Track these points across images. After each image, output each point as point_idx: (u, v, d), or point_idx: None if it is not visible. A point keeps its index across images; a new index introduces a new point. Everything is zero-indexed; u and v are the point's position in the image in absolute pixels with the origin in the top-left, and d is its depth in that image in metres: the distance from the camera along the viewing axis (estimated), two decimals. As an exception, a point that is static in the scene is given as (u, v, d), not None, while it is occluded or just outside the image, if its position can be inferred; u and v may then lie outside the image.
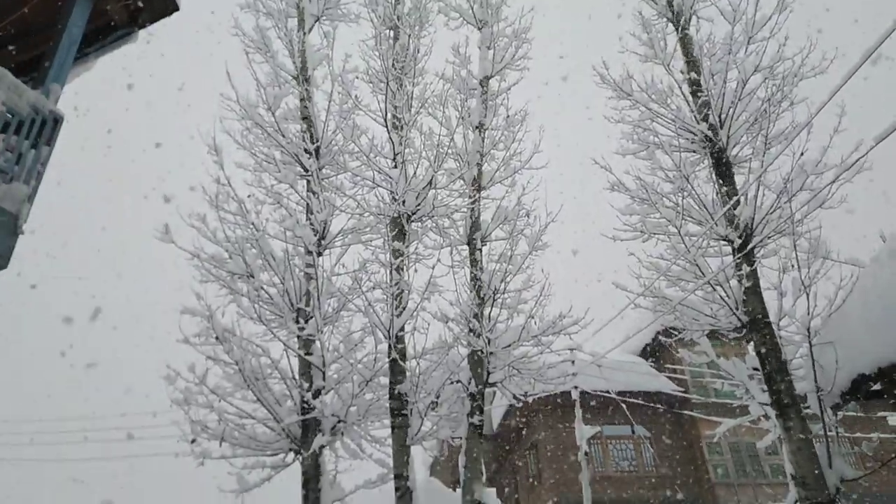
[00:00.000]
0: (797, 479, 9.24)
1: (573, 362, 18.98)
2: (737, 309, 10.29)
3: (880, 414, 19.61)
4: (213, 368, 10.23)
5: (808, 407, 10.12)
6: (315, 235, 10.84)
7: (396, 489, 9.85)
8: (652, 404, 19.93)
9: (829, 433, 9.70)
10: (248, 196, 11.07)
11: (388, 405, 10.38)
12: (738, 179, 11.26)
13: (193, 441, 9.58)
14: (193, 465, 10.32)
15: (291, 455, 10.68)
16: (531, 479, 23.07)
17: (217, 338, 9.25)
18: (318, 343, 10.46)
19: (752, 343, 10.44)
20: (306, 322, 10.39)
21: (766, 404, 10.48)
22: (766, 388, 10.01)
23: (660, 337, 18.82)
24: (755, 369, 10.79)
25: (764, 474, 19.92)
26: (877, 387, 9.28)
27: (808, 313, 10.07)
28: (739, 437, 19.88)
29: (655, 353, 22.93)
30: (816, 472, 9.09)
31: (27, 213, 6.26)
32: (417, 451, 15.69)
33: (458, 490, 10.41)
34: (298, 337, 10.53)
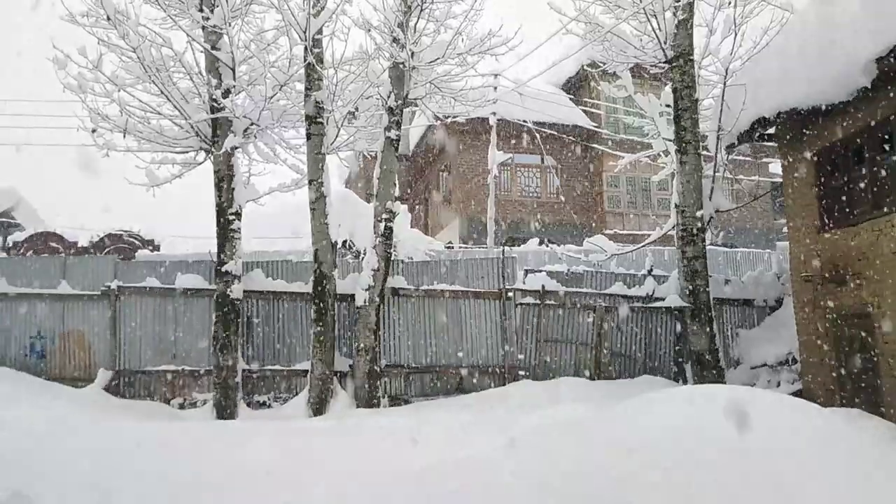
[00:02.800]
0: (679, 208, 10.22)
1: (495, 88, 18.88)
2: (665, 42, 10.16)
3: (765, 160, 21.45)
4: (109, 56, 9.36)
5: (706, 147, 10.78)
6: None
7: (310, 195, 10.11)
8: (564, 136, 20.73)
9: (717, 171, 10.53)
10: None
11: (303, 112, 10.12)
12: None
13: (94, 131, 9.14)
14: (100, 157, 10.01)
15: (203, 154, 10.54)
16: (441, 199, 24.53)
17: (108, 18, 8.25)
18: (225, 38, 9.63)
19: (670, 82, 10.58)
20: (212, 11, 9.41)
21: (670, 140, 11.07)
22: (673, 125, 10.44)
23: (585, 68, 18.74)
24: (667, 106, 11.14)
25: (651, 206, 22.15)
26: (770, 131, 9.92)
27: (732, 53, 10.14)
28: (637, 173, 21.49)
29: (576, 87, 23.13)
30: (697, 202, 10.04)
31: None
32: (333, 163, 15.92)
33: (372, 202, 10.83)
34: (203, 28, 9.62)
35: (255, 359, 10.51)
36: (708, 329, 9.84)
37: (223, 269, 9.90)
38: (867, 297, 7.81)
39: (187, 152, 10.45)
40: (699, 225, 10.04)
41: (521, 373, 10.72)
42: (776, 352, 10.50)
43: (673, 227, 10.79)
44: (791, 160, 9.36)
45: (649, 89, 15.91)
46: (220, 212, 10.07)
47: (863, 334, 7.97)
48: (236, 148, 10.14)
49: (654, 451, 3.52)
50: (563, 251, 13.11)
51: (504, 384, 10.55)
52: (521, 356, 10.88)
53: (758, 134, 9.79)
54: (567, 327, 11.05)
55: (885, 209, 7.59)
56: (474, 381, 10.74)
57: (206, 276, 10.62)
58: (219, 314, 9.83)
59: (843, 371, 8.33)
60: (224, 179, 10.07)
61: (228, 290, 9.85)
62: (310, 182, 10.15)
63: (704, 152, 10.56)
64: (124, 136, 9.35)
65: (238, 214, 10.13)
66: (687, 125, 10.10)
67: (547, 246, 15.21)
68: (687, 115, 10.10)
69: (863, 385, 8.01)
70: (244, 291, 10.17)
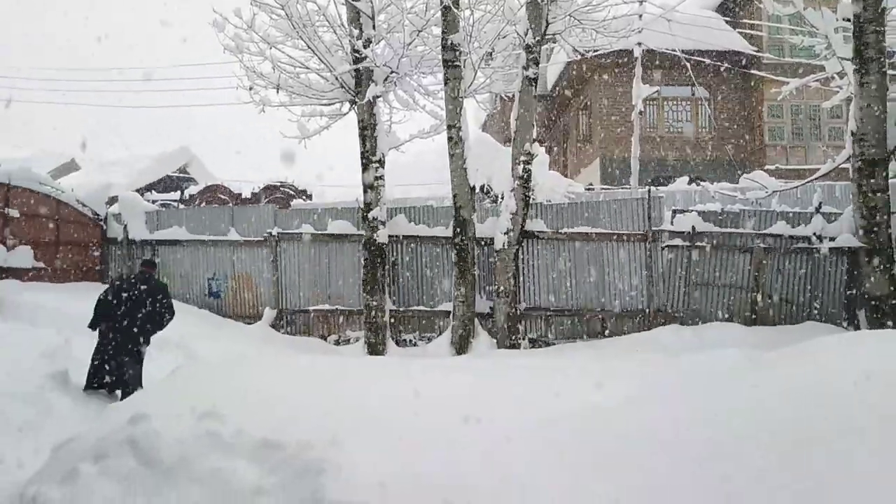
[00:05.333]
0: (856, 136, 9.04)
1: (640, 16, 17.58)
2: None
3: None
4: (261, 15, 9.89)
5: (892, 65, 9.37)
6: None
7: (449, 139, 10.17)
8: (719, 63, 18.94)
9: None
10: None
11: (440, 57, 10.10)
12: None
13: (251, 88, 9.79)
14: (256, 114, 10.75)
15: (347, 105, 10.95)
16: (580, 139, 23.65)
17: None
18: (364, -13, 9.78)
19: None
20: (351, -38, 9.55)
21: (847, 59, 9.72)
22: (852, 41, 9.14)
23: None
24: (845, 20, 9.74)
25: (820, 137, 19.79)
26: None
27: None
28: (803, 100, 19.22)
29: (733, 8, 20.93)
30: (879, 129, 8.82)
31: None
32: (470, 106, 15.90)
33: (509, 146, 10.69)
34: (343, -21, 9.83)
35: (401, 300, 11.01)
36: (889, 271, 8.76)
37: (369, 216, 10.35)
38: None
39: (333, 104, 10.90)
40: (882, 154, 8.84)
41: (668, 318, 10.28)
42: (976, 298, 9.13)
43: (848, 159, 9.60)
44: None
45: (822, 2, 13.99)
46: (365, 160, 10.46)
47: None
48: (378, 97, 10.40)
49: (842, 403, 3.08)
50: (716, 189, 12.18)
51: (649, 329, 10.20)
52: (667, 301, 10.41)
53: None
54: (720, 270, 10.36)
55: None
56: (618, 324, 10.49)
57: (354, 222, 11.18)
58: (366, 257, 10.35)
59: None
60: (367, 128, 10.42)
61: (375, 234, 10.31)
62: (448, 127, 10.20)
63: (891, 71, 9.19)
64: (277, 92, 9.93)
65: (381, 162, 10.48)
66: (870, 39, 8.79)
67: (698, 185, 14.22)
68: (871, 27, 8.77)
69: None
70: (389, 236, 10.59)
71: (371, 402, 4.08)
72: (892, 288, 8.81)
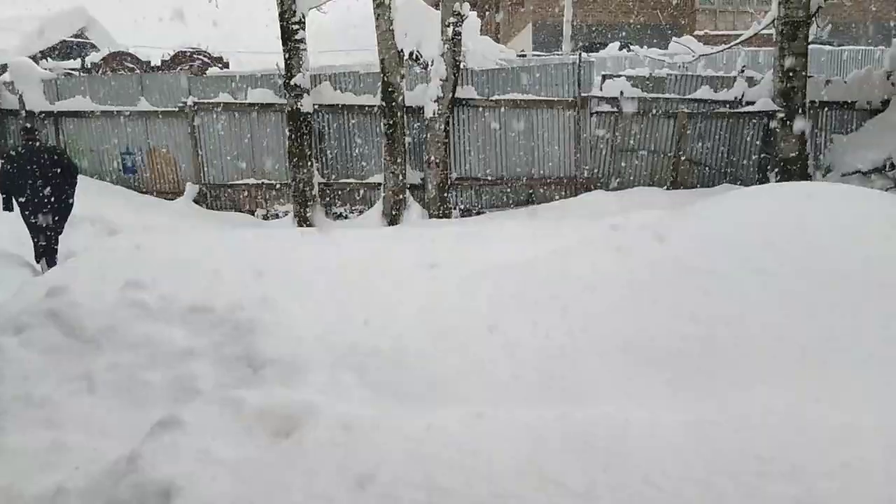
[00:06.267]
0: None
1: None
2: None
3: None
4: None
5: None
6: None
7: (374, -2, 9.55)
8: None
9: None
10: None
11: None
12: None
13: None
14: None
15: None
16: (512, 3, 22.75)
17: None
18: None
19: None
20: None
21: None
22: None
23: None
24: None
25: (749, 1, 19.77)
26: None
27: None
28: (736, -38, 18.98)
29: None
30: (805, -11, 8.85)
31: None
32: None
33: (440, 7, 10.14)
34: None
35: (330, 172, 10.78)
36: (799, 134, 9.18)
37: (292, 83, 9.81)
38: None
39: (244, -44, 9.92)
40: (804, 15, 8.94)
41: (595, 183, 10.56)
42: (873, 157, 9.77)
43: (772, 22, 9.68)
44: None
45: None
46: (283, 22, 9.74)
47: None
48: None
49: (736, 244, 3.41)
50: (646, 54, 12.15)
51: (577, 195, 10.47)
52: (595, 167, 10.63)
53: None
54: (645, 136, 10.57)
55: None
56: (547, 192, 10.70)
57: (277, 91, 10.61)
58: (291, 128, 9.94)
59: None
60: (284, -16, 9.60)
61: (299, 103, 9.84)
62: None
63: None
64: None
65: (301, 24, 9.79)
66: None
67: (628, 50, 14.12)
68: None
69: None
70: (314, 105, 10.15)
71: (300, 267, 4.08)
72: (800, 150, 9.27)
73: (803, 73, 9.18)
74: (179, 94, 10.71)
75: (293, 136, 9.93)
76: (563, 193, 10.65)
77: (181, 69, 15.07)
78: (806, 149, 9.27)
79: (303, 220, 10.06)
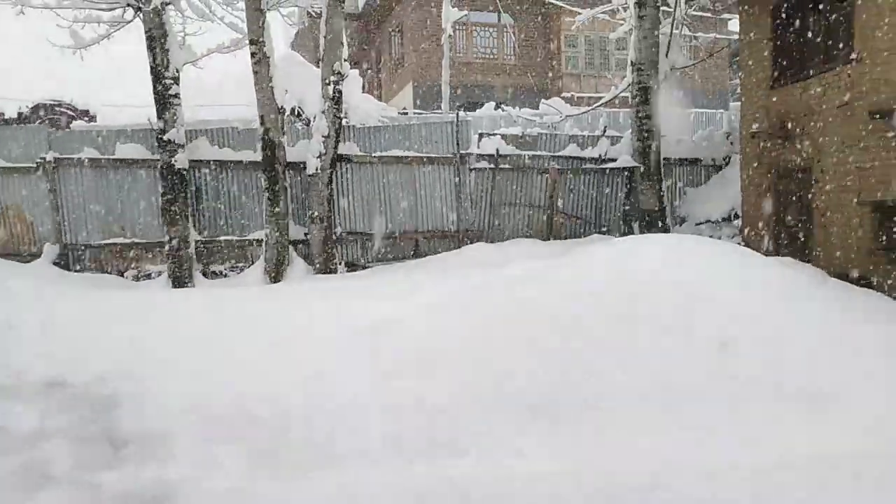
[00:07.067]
0: (635, 65, 10.04)
1: (448, -62, 17.53)
2: None
3: (725, 16, 20.94)
4: None
5: (666, 2, 10.40)
6: None
7: (252, 55, 9.51)
8: (521, -8, 19.69)
9: (675, 27, 10.27)
10: None
11: (237, -38, 9.26)
12: None
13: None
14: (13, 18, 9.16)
15: (131, 12, 9.69)
16: (393, 62, 23.45)
17: None
18: None
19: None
20: None
21: (627, -6, 10.63)
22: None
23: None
24: (627, -44, 10.58)
25: (609, 67, 21.70)
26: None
27: None
28: (595, 31, 20.81)
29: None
30: (654, 59, 9.86)
31: None
32: (276, 22, 14.93)
33: (320, 65, 10.27)
34: None
35: (208, 229, 10.39)
36: (657, 188, 10.06)
37: (165, 138, 9.47)
38: (809, 152, 8.01)
39: (114, 9, 9.60)
40: (654, 83, 9.93)
41: (476, 236, 10.92)
42: (720, 209, 10.88)
43: (628, 87, 10.67)
44: (748, 10, 9.15)
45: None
46: (156, 75, 9.45)
47: (801, 189, 8.27)
48: (167, 3, 9.34)
49: (599, 292, 3.68)
50: (519, 114, 12.92)
51: (459, 248, 10.75)
52: (475, 220, 11.02)
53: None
54: (521, 190, 11.13)
55: (834, 64, 7.59)
56: (430, 245, 10.92)
57: (148, 146, 10.17)
58: (165, 184, 9.53)
59: (779, 224, 8.73)
60: (156, 39, 9.36)
61: (173, 159, 9.49)
62: (251, 42, 9.51)
63: (664, 7, 10.22)
64: (37, -10, 8.48)
65: (176, 79, 9.53)
66: (646, -23, 9.67)
67: (502, 110, 14.94)
68: (647, -35, 9.63)
69: (797, 237, 8.44)
70: (190, 161, 9.82)
71: (171, 332, 3.88)
72: (659, 203, 10.15)
73: (657, 133, 10.14)
74: (38, 148, 9.99)
75: (167, 192, 9.52)
76: (448, 246, 10.91)
77: (41, 122, 14.10)
78: (664, 201, 10.16)
79: (178, 280, 9.57)
